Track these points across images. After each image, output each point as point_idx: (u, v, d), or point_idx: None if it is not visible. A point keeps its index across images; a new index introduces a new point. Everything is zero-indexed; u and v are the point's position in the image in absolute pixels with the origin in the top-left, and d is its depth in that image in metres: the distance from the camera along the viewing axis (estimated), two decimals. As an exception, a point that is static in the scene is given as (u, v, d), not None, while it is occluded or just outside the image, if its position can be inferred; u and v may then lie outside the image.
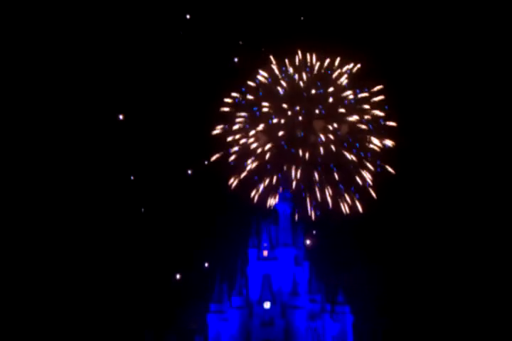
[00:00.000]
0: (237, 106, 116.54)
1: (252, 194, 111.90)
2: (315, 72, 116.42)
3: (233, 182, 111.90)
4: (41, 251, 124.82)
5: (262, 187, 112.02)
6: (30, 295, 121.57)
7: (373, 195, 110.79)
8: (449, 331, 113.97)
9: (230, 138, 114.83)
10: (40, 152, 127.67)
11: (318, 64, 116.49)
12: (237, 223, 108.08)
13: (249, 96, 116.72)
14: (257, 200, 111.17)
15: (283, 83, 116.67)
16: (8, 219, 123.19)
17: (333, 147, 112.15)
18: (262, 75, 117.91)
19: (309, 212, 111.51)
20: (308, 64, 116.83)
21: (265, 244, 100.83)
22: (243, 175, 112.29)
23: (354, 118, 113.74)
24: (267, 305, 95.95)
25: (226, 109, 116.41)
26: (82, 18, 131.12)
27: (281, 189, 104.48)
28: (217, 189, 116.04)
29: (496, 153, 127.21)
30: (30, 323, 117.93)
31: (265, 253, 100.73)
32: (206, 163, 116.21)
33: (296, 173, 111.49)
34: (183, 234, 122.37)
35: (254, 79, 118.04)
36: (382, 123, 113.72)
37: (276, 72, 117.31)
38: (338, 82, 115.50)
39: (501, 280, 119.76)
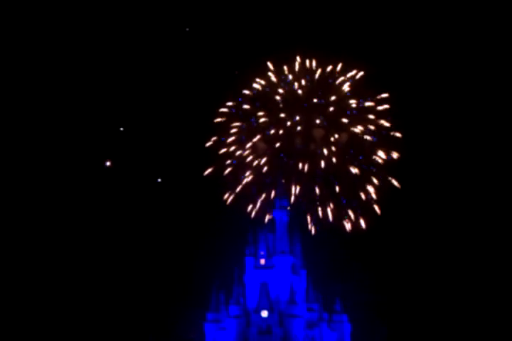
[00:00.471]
0: (233, 116, 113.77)
1: (249, 208, 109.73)
2: (315, 79, 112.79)
3: (228, 197, 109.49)
4: (47, 261, 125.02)
5: (259, 201, 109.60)
6: (37, 307, 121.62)
7: (377, 210, 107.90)
8: (447, 339, 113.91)
9: (224, 150, 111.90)
10: (40, 153, 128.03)
11: (318, 71, 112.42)
12: (234, 231, 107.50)
13: (246, 106, 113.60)
14: (255, 215, 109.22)
15: (281, 91, 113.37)
16: (9, 223, 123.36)
17: (334, 159, 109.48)
18: (260, 83, 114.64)
19: (309, 226, 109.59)
20: (309, 71, 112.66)
21: (262, 252, 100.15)
22: (239, 188, 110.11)
23: (358, 128, 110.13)
24: (264, 313, 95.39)
25: (222, 120, 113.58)
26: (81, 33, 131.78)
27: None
28: (214, 198, 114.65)
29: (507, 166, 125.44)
30: (35, 330, 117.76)
31: (262, 261, 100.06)
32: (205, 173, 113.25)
33: (295, 187, 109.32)
34: (180, 242, 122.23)
35: (251, 88, 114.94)
36: (386, 133, 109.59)
37: (275, 79, 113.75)
38: (340, 90, 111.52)
39: (499, 287, 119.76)
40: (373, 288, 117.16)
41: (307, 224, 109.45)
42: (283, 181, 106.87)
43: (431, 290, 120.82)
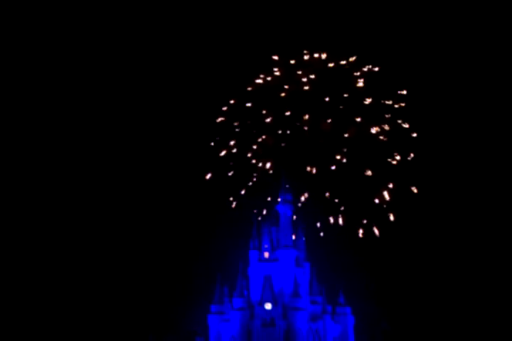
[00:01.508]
0: (235, 115, 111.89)
1: (255, 211, 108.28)
2: (326, 74, 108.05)
3: (232, 201, 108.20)
4: (48, 257, 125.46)
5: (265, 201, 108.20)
6: (35, 302, 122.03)
7: (391, 216, 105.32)
8: (449, 332, 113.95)
9: (226, 151, 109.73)
10: (40, 155, 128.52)
11: (329, 65, 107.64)
12: (238, 225, 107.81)
13: (252, 104, 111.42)
14: (258, 212, 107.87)
15: (289, 88, 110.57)
16: (10, 222, 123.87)
17: (344, 160, 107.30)
18: (264, 79, 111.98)
19: (318, 231, 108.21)
20: (318, 65, 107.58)
21: (266, 246, 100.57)
22: (243, 191, 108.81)
23: (373, 128, 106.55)
24: (268, 306, 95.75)
25: (223, 119, 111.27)
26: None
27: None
28: (218, 196, 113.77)
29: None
30: (34, 329, 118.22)
31: (266, 254, 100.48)
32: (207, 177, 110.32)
33: (302, 190, 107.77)
34: (184, 235, 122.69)
35: (255, 85, 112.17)
36: (403, 134, 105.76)
37: (281, 75, 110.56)
38: (353, 87, 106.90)
39: (499, 281, 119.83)
40: (377, 280, 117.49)
41: (312, 219, 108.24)
42: (288, 177, 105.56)
43: (435, 284, 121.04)
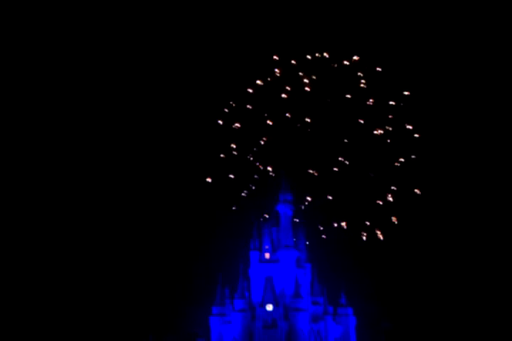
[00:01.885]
0: (238, 117, 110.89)
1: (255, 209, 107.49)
2: (328, 74, 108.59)
3: (234, 203, 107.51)
4: (48, 257, 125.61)
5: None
6: (36, 302, 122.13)
7: (394, 219, 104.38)
8: (451, 332, 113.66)
9: (227, 153, 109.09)
10: (40, 155, 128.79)
11: (331, 65, 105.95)
12: (238, 225, 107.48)
13: (252, 106, 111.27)
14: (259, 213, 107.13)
15: (290, 89, 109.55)
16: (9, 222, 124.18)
17: (347, 162, 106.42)
18: (265, 80, 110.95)
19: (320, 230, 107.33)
20: (320, 65, 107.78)
21: (267, 247, 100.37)
22: (244, 193, 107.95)
23: (376, 130, 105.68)
24: (269, 307, 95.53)
25: (223, 121, 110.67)
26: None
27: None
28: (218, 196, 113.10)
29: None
30: (35, 329, 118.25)
31: (267, 255, 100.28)
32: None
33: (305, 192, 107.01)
34: (185, 236, 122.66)
35: (254, 86, 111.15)
36: (406, 135, 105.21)
37: (281, 75, 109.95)
38: (356, 87, 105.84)
39: (500, 281, 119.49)
40: (379, 281, 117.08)
41: (313, 220, 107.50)
42: (288, 177, 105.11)
43: (437, 286, 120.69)
